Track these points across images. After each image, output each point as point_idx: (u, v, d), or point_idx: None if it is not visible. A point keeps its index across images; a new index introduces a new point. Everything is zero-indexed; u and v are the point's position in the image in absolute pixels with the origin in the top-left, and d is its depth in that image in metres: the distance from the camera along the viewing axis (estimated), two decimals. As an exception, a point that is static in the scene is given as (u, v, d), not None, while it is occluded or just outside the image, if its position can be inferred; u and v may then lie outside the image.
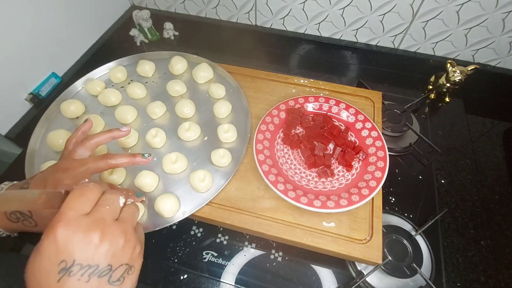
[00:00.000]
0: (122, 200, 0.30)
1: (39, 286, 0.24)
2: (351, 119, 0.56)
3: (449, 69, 0.67)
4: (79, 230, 0.25)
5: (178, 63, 0.63)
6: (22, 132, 0.63)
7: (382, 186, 0.46)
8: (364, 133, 0.53)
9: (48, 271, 0.24)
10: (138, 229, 0.31)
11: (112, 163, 0.38)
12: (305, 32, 0.81)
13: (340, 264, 0.49)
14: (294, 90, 0.62)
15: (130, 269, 0.28)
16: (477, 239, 0.52)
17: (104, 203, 0.28)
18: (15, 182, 0.40)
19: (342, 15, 0.73)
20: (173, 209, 0.45)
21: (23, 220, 0.35)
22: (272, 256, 0.50)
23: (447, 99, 0.72)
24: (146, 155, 0.40)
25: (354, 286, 0.45)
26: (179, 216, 0.45)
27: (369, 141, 0.52)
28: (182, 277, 0.48)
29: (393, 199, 0.56)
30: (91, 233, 0.25)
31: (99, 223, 0.26)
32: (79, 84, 0.62)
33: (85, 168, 0.36)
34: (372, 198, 0.46)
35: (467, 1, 0.62)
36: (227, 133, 0.53)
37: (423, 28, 0.70)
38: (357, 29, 0.75)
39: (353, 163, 0.51)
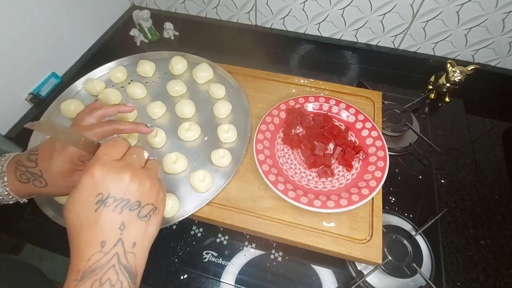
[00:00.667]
0: (146, 154, 0.34)
1: (78, 216, 0.27)
2: (351, 119, 0.56)
3: (449, 69, 0.67)
4: (113, 170, 0.28)
5: (178, 63, 0.63)
6: (22, 132, 0.63)
7: (382, 186, 0.46)
8: (364, 133, 0.53)
9: (87, 202, 0.27)
10: (160, 180, 0.33)
11: (117, 127, 0.40)
12: (305, 32, 0.81)
13: (340, 264, 0.49)
14: (294, 90, 0.62)
15: (155, 210, 0.31)
16: (476, 239, 0.52)
17: (132, 153, 0.32)
18: (18, 152, 0.40)
19: (342, 15, 0.73)
20: (173, 209, 0.45)
21: (34, 180, 0.36)
22: (272, 256, 0.50)
23: (447, 99, 0.72)
24: (149, 125, 0.43)
25: (354, 286, 0.45)
26: (179, 216, 0.45)
27: (369, 141, 0.52)
28: (182, 277, 0.48)
29: (393, 199, 0.56)
30: (123, 173, 0.29)
31: (129, 166, 0.30)
32: (79, 84, 0.62)
33: (92, 132, 0.37)
34: (372, 198, 0.46)
35: (467, 1, 0.62)
36: (227, 133, 0.53)
37: (423, 28, 0.70)
38: (357, 29, 0.75)
39: (353, 163, 0.51)
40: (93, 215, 0.27)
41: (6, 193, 0.37)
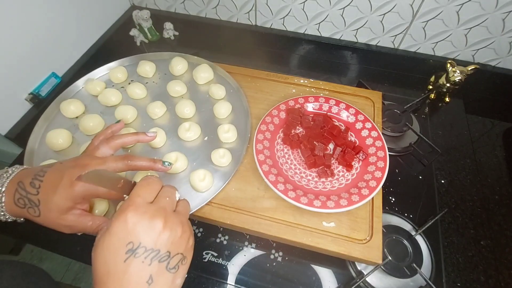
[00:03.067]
0: (178, 195, 0.33)
1: (105, 263, 0.26)
2: (351, 119, 0.56)
3: (449, 69, 0.67)
4: (146, 216, 0.27)
5: (179, 64, 0.63)
6: (22, 132, 0.63)
7: (382, 186, 0.46)
8: (364, 133, 0.53)
9: (116, 250, 0.26)
10: (190, 224, 0.32)
11: (132, 164, 0.38)
12: (305, 32, 0.81)
13: (340, 264, 0.49)
14: (294, 90, 0.62)
15: (184, 259, 0.29)
16: (477, 239, 0.52)
17: (165, 194, 0.31)
18: (25, 166, 0.39)
19: (342, 15, 0.73)
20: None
21: (29, 207, 0.34)
22: (272, 256, 0.50)
23: (447, 99, 0.72)
24: (166, 163, 0.41)
25: (354, 286, 0.45)
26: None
27: (369, 141, 0.52)
28: (182, 277, 0.48)
29: (393, 199, 0.56)
30: (155, 220, 0.28)
31: (162, 212, 0.29)
32: (79, 84, 0.62)
33: (104, 166, 0.36)
34: (372, 198, 0.46)
35: (467, 1, 0.62)
36: (227, 133, 0.53)
37: (423, 28, 0.70)
38: (357, 29, 0.75)
39: (353, 163, 0.51)
40: (121, 265, 0.26)
41: (2, 213, 0.35)
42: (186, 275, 0.30)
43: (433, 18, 0.67)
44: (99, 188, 0.34)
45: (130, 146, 0.53)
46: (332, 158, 0.52)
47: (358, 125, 0.55)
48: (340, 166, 0.51)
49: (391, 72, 0.79)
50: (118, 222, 0.27)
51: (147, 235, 0.27)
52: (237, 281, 0.48)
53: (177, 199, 0.33)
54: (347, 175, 0.50)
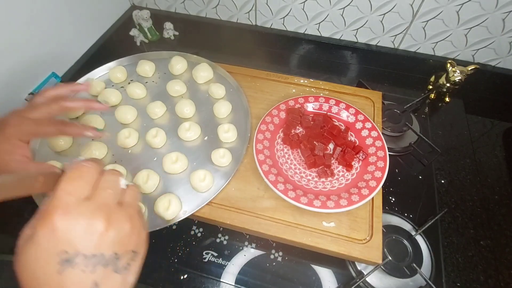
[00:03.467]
0: (123, 182, 0.27)
1: (34, 277, 0.22)
2: (351, 119, 0.56)
3: (449, 69, 0.67)
4: (81, 218, 0.22)
5: (178, 63, 0.63)
6: (22, 132, 0.63)
7: (382, 186, 0.46)
8: (364, 133, 0.53)
9: (46, 262, 0.21)
10: (141, 213, 0.28)
11: (65, 104, 0.37)
12: (305, 32, 0.81)
13: (340, 264, 0.49)
14: (294, 90, 0.62)
15: (135, 255, 0.25)
16: (477, 239, 0.52)
17: (105, 185, 0.25)
18: None
19: (342, 15, 0.73)
20: (175, 210, 0.45)
21: None
22: (272, 256, 0.50)
23: (447, 99, 0.72)
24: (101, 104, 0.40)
25: (354, 286, 0.45)
26: (180, 216, 0.45)
27: (369, 141, 0.52)
28: (182, 277, 0.48)
29: (393, 199, 0.56)
30: (95, 221, 0.23)
31: (103, 209, 0.23)
32: (79, 84, 0.62)
33: (38, 111, 0.34)
34: (372, 198, 0.46)
35: (467, 1, 0.62)
36: (227, 133, 0.53)
37: (423, 28, 0.70)
38: (357, 29, 0.75)
39: (353, 163, 0.51)
40: (56, 278, 0.21)
41: None
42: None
43: (433, 18, 0.67)
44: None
45: (130, 146, 0.53)
46: (332, 158, 0.52)
47: (358, 125, 0.55)
48: (340, 166, 0.51)
49: (391, 72, 0.79)
50: (43, 230, 0.21)
51: (86, 241, 0.22)
52: (237, 281, 0.48)
53: (123, 186, 0.27)
54: (347, 175, 0.50)
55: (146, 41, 0.86)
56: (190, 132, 0.53)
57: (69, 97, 0.38)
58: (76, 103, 0.38)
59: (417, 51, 0.76)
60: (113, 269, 0.23)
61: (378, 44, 0.78)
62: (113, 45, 0.83)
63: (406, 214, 0.54)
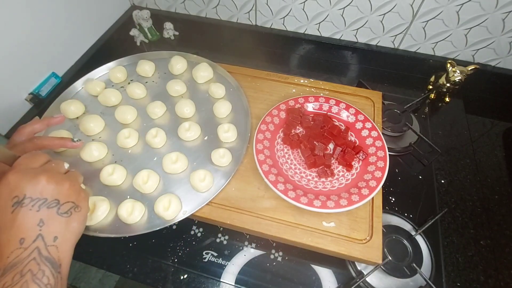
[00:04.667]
0: (66, 165, 0.36)
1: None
2: (351, 119, 0.56)
3: (449, 69, 0.67)
4: (28, 174, 0.30)
5: (178, 63, 0.63)
6: (22, 132, 0.63)
7: (382, 186, 0.46)
8: (364, 133, 0.53)
9: (3, 207, 0.29)
10: (79, 184, 0.35)
11: (39, 142, 0.41)
12: (305, 32, 0.81)
13: (340, 264, 0.49)
14: (294, 90, 0.62)
15: (77, 207, 0.33)
16: (477, 239, 0.52)
17: (50, 163, 0.34)
18: None
19: (342, 15, 0.73)
20: (175, 210, 0.45)
21: None
22: (272, 256, 0.50)
23: (447, 99, 0.72)
24: (75, 139, 0.44)
25: (354, 286, 0.45)
26: (180, 216, 0.45)
27: (369, 141, 0.52)
28: (182, 277, 0.48)
29: (393, 199, 0.56)
30: (39, 176, 0.30)
31: (46, 171, 0.32)
32: (79, 84, 0.61)
33: (15, 150, 0.38)
34: (372, 198, 0.46)
35: (467, 1, 0.62)
36: (227, 133, 0.53)
37: (423, 28, 0.70)
38: (357, 29, 0.75)
39: (353, 163, 0.51)
40: (9, 216, 0.28)
41: None
42: (86, 225, 0.35)
43: (433, 18, 0.67)
44: None
45: (130, 146, 0.53)
46: (332, 158, 0.52)
47: (358, 125, 0.55)
48: (340, 166, 0.51)
49: (391, 72, 0.79)
50: (1, 185, 0.29)
51: (32, 188, 0.30)
52: (237, 281, 0.48)
53: (66, 168, 0.35)
54: (347, 175, 0.50)
55: (146, 41, 0.86)
56: (190, 132, 0.53)
57: (43, 137, 0.42)
58: (50, 141, 0.42)
59: (417, 51, 0.76)
60: (56, 212, 0.31)
61: (378, 44, 0.78)
62: (113, 45, 0.83)
63: (406, 214, 0.54)
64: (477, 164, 0.62)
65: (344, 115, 0.57)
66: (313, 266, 0.49)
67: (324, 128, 0.54)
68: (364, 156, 0.51)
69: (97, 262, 0.50)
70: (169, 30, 0.86)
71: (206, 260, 0.50)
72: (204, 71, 0.62)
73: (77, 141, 0.44)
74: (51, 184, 0.31)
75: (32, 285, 0.27)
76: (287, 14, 0.78)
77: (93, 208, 0.45)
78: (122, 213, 0.44)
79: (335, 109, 0.57)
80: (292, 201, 0.45)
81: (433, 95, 0.73)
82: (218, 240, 0.52)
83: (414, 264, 0.47)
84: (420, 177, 0.59)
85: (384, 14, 0.70)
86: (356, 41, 0.78)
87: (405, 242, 0.50)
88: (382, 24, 0.72)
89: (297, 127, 0.56)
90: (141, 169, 0.49)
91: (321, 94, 0.61)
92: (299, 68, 0.83)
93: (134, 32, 0.84)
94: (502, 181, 0.60)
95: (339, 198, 0.46)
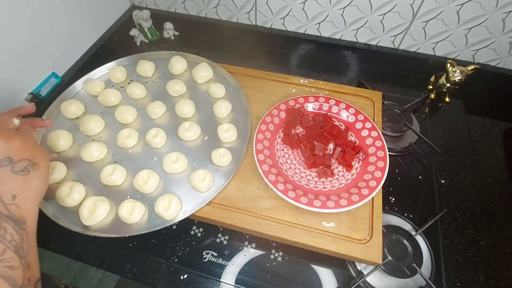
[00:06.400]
0: (16, 121, 0.36)
1: None
2: (351, 119, 0.56)
3: (449, 69, 0.67)
4: None
5: (178, 63, 0.63)
6: (22, 132, 0.63)
7: (382, 186, 0.46)
8: (364, 133, 0.53)
9: None
10: (34, 139, 0.36)
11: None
12: (305, 32, 0.81)
13: (340, 264, 0.49)
14: (294, 90, 0.62)
15: (34, 165, 0.32)
16: (477, 239, 0.52)
17: None
18: None
19: (342, 15, 0.73)
20: (175, 210, 0.45)
21: None
22: (272, 256, 0.50)
23: (447, 99, 0.72)
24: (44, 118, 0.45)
25: (354, 286, 0.45)
26: (180, 216, 0.45)
27: (369, 141, 0.52)
28: (182, 277, 0.48)
29: (393, 199, 0.56)
30: None
31: None
32: (79, 84, 0.62)
33: None
34: (372, 198, 0.46)
35: (467, 1, 0.62)
36: (227, 133, 0.53)
37: (423, 28, 0.70)
38: (357, 29, 0.75)
39: (353, 163, 0.51)
40: None
41: None
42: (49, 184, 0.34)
43: (433, 18, 0.67)
44: None
45: (130, 146, 0.53)
46: (332, 158, 0.52)
47: (358, 125, 0.55)
48: (340, 166, 0.51)
49: (391, 72, 0.79)
50: None
51: None
52: (237, 281, 0.48)
53: (16, 124, 0.35)
54: (347, 175, 0.50)
55: (146, 41, 0.86)
56: (190, 132, 0.53)
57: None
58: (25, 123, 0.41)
59: (417, 51, 0.76)
60: (10, 170, 0.30)
61: (378, 44, 0.78)
62: (113, 45, 0.83)
63: (406, 214, 0.54)
64: (477, 164, 0.62)
65: (344, 115, 0.57)
66: (313, 266, 0.49)
67: (324, 128, 0.54)
68: (364, 156, 0.51)
69: (97, 262, 0.50)
70: (169, 30, 0.86)
71: (206, 260, 0.50)
72: (204, 71, 0.62)
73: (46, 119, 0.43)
74: (0, 142, 0.30)
75: None
76: (287, 14, 0.78)
77: (93, 208, 0.45)
78: (122, 213, 0.44)
79: (335, 109, 0.57)
80: (292, 201, 0.45)
81: (433, 95, 0.73)
82: (218, 240, 0.52)
83: (414, 264, 0.47)
84: (420, 177, 0.59)
85: (384, 14, 0.70)
86: (356, 41, 0.78)
87: (405, 242, 0.50)
88: (382, 24, 0.72)
89: (297, 127, 0.56)
90: (141, 169, 0.49)
91: (321, 94, 0.61)
92: (299, 68, 0.83)
93: (134, 32, 0.84)
94: (502, 181, 0.60)
95: (339, 198, 0.46)
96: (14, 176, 0.30)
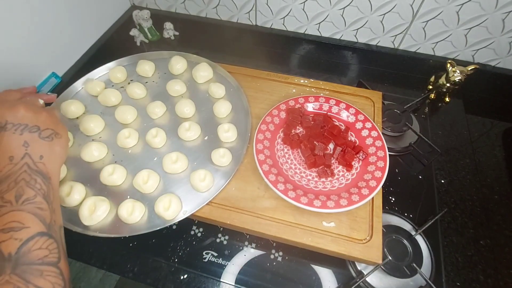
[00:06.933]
0: (41, 101, 0.42)
1: None
2: (351, 119, 0.56)
3: (449, 69, 0.67)
4: (7, 104, 0.35)
5: (178, 63, 0.63)
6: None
7: (382, 186, 0.46)
8: (364, 133, 0.54)
9: None
10: (58, 119, 0.39)
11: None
12: (305, 32, 0.81)
13: (340, 264, 0.49)
14: (294, 90, 0.62)
15: (57, 134, 0.37)
16: (476, 239, 0.52)
17: (26, 97, 0.40)
18: None
19: (342, 15, 0.73)
20: (175, 210, 0.45)
21: None
22: (272, 256, 0.50)
23: (447, 99, 0.72)
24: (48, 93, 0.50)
25: (354, 286, 0.45)
26: (180, 216, 0.45)
27: (369, 141, 0.52)
28: (182, 277, 0.48)
29: (393, 199, 0.56)
30: (17, 106, 0.35)
31: (24, 102, 0.37)
32: (79, 84, 0.62)
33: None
34: (372, 198, 0.46)
35: (467, 1, 0.62)
36: (227, 133, 0.53)
37: (423, 28, 0.70)
38: (357, 29, 0.75)
39: (353, 163, 0.51)
40: None
41: None
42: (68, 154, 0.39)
43: (433, 18, 0.67)
44: None
45: (130, 146, 0.53)
46: (332, 158, 0.52)
47: (358, 125, 0.55)
48: (340, 166, 0.51)
49: (391, 72, 0.79)
50: None
51: (12, 115, 0.34)
52: (237, 281, 0.48)
53: (41, 103, 0.41)
54: (347, 175, 0.50)
55: (146, 41, 0.86)
56: (190, 132, 0.53)
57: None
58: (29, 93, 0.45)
59: (417, 51, 0.76)
60: (38, 136, 0.35)
61: (378, 44, 0.78)
62: (113, 45, 0.83)
63: (406, 214, 0.54)
64: (476, 164, 0.62)
65: (344, 115, 0.57)
66: (313, 266, 0.49)
67: (324, 128, 0.54)
68: (364, 156, 0.51)
69: (97, 262, 0.50)
70: (169, 30, 0.86)
71: (206, 260, 0.50)
72: (204, 71, 0.62)
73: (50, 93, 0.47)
74: (29, 112, 0.35)
75: (27, 189, 0.31)
76: (287, 14, 0.78)
77: (93, 208, 0.45)
78: (122, 213, 0.44)
79: (335, 109, 0.57)
80: (292, 201, 0.45)
81: (433, 95, 0.73)
82: (218, 240, 0.52)
83: (414, 264, 0.47)
84: (420, 177, 0.60)
85: (384, 14, 0.70)
86: (356, 41, 0.79)
87: (405, 242, 0.50)
88: (382, 24, 0.72)
89: (297, 127, 0.56)
90: (141, 169, 0.49)
91: (321, 94, 0.61)
92: (299, 68, 0.83)
93: (134, 32, 0.84)
94: (501, 181, 0.60)
95: (339, 198, 0.46)
96: (41, 141, 0.34)
